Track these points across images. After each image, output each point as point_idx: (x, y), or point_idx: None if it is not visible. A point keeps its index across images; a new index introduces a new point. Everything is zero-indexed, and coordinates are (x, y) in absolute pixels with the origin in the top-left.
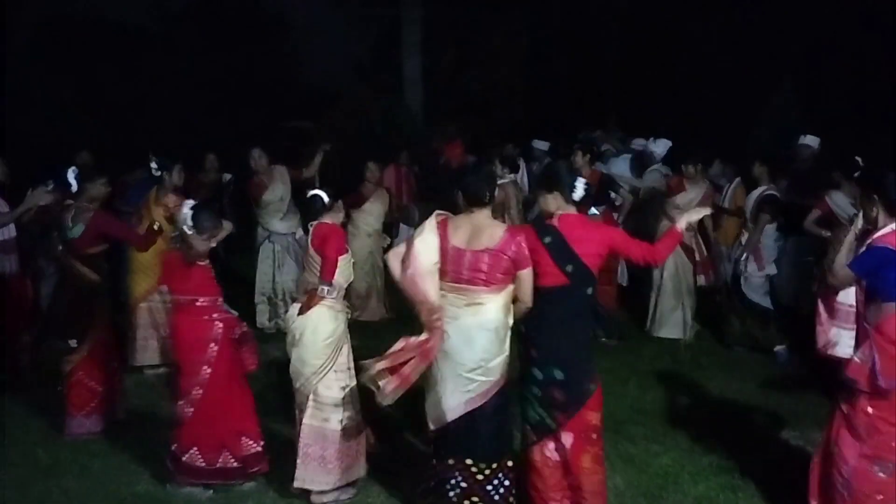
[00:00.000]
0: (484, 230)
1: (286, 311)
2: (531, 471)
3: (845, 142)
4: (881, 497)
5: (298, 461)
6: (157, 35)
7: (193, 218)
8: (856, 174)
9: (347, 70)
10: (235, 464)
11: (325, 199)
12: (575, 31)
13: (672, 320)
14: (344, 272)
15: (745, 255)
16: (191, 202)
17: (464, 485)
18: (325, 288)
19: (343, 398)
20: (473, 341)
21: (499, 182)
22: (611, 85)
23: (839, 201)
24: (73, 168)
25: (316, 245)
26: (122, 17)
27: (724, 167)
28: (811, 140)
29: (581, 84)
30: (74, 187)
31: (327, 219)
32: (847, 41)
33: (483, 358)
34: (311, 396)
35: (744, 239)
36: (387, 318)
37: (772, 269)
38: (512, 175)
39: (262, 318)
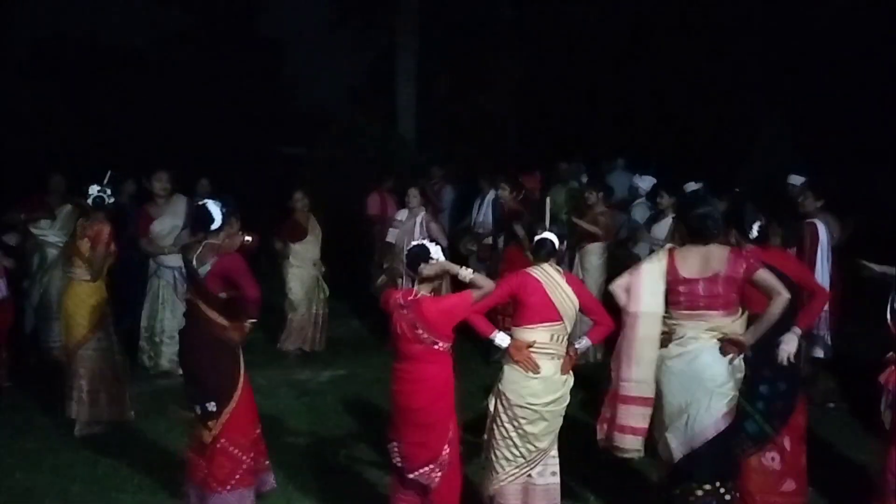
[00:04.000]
0: (712, 256)
1: (168, 353)
2: (750, 478)
3: (834, 175)
4: None
5: None
6: (152, 57)
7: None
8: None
9: (342, 96)
10: None
11: (556, 243)
12: (569, 63)
13: None
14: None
15: None
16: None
17: None
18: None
19: None
20: (722, 357)
21: (400, 215)
22: (603, 115)
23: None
24: (221, 203)
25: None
26: (117, 39)
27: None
28: (795, 179)
29: (574, 115)
30: (218, 223)
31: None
32: (836, 76)
33: (731, 371)
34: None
35: None
36: (322, 349)
37: None
38: (422, 210)
39: (143, 356)
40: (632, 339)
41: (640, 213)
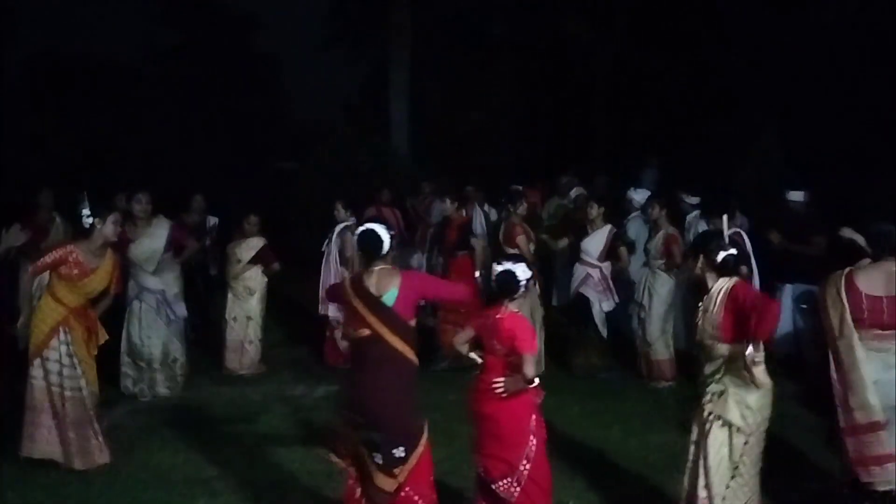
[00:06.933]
0: None
1: (151, 379)
2: None
3: (828, 186)
4: None
5: None
6: (147, 73)
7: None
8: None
9: (336, 110)
10: None
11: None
12: (562, 75)
13: None
14: None
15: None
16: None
17: None
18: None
19: None
20: None
21: (338, 228)
22: (597, 128)
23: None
24: (385, 225)
25: (735, 307)
26: (113, 55)
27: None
28: (795, 195)
29: (568, 127)
30: (387, 247)
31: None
32: (831, 87)
33: None
34: None
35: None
36: (264, 371)
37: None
38: (353, 219)
39: (126, 381)
40: (838, 365)
41: (634, 227)
